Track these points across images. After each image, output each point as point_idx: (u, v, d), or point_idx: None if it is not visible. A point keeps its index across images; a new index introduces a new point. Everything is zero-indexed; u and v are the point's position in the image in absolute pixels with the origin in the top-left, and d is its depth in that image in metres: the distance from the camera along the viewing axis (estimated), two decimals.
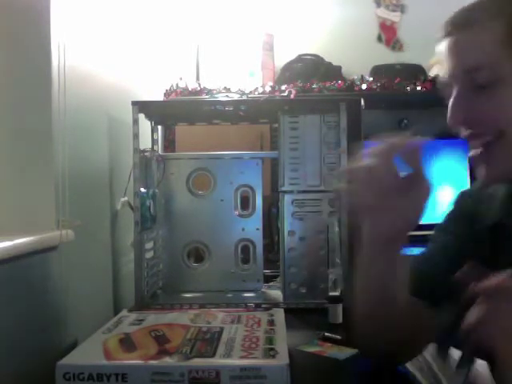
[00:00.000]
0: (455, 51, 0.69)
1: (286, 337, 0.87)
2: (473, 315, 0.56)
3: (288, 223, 1.23)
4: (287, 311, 1.06)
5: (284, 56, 2.07)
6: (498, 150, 0.68)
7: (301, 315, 1.14)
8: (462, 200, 0.86)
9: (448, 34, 0.69)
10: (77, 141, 1.08)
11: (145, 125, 1.28)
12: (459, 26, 0.68)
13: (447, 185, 2.02)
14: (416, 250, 1.89)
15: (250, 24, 2.03)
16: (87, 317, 1.11)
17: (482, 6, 0.68)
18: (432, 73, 1.97)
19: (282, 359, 0.76)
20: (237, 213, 1.31)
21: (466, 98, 0.68)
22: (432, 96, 1.83)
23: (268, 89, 1.83)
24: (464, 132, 0.70)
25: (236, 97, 1.77)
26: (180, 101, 1.75)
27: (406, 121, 2.12)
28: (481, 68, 0.66)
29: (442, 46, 0.70)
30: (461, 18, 0.69)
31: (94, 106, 1.21)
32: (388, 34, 2.25)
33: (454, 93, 0.69)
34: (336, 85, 1.83)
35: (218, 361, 0.75)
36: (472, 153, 0.70)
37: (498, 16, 0.66)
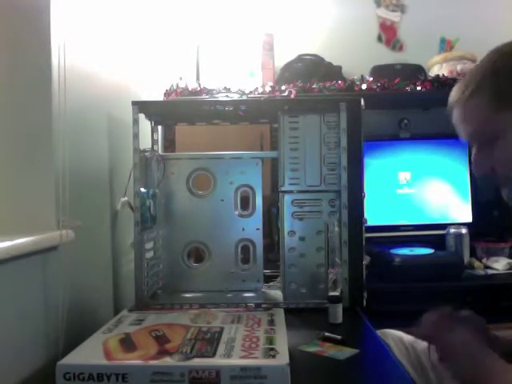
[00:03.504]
0: (459, 122, 0.88)
1: (286, 337, 0.87)
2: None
3: (288, 223, 1.23)
4: (287, 311, 1.07)
5: (284, 56, 2.07)
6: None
7: (301, 315, 1.14)
8: None
9: (451, 108, 0.89)
10: (77, 141, 1.08)
11: (145, 125, 1.28)
12: (456, 104, 0.88)
13: (447, 184, 2.02)
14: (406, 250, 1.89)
15: (250, 24, 2.03)
16: (87, 317, 1.11)
17: (467, 84, 0.86)
18: (432, 73, 1.97)
19: (282, 359, 0.76)
20: (237, 213, 1.31)
21: (480, 153, 0.87)
22: (432, 96, 1.83)
23: (268, 89, 1.83)
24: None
25: (236, 97, 1.77)
26: (180, 101, 1.75)
27: (405, 121, 2.12)
28: (479, 131, 0.85)
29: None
30: (456, 96, 0.87)
31: (94, 105, 1.21)
32: (388, 34, 2.25)
33: (473, 150, 0.88)
34: (336, 85, 1.83)
35: (218, 361, 0.75)
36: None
37: (482, 90, 0.83)
